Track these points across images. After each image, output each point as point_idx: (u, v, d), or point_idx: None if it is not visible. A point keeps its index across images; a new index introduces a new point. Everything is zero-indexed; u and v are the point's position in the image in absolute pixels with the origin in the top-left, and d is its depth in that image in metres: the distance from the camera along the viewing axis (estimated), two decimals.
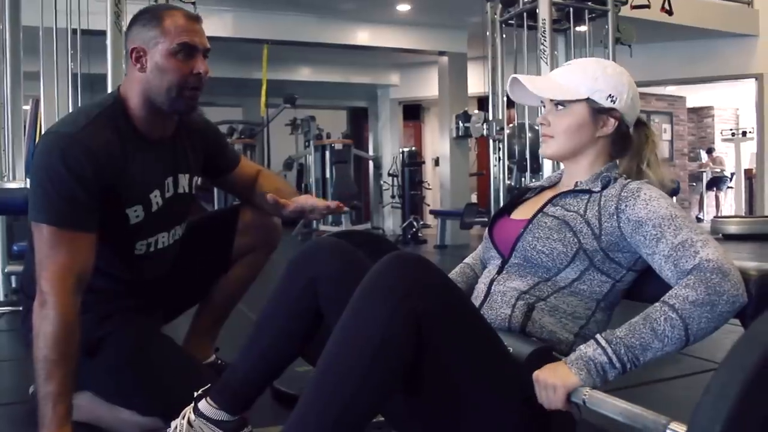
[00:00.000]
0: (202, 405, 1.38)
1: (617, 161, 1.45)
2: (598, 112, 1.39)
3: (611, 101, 1.38)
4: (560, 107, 1.41)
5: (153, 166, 1.66)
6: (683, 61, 8.75)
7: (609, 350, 1.13)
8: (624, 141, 1.44)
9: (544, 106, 1.46)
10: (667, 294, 1.15)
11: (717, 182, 12.69)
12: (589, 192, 1.38)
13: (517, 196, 1.58)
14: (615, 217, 1.30)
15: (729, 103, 13.48)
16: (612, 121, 1.40)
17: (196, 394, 1.40)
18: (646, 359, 1.13)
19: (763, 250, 6.86)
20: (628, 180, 1.37)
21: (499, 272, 1.41)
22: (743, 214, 10.49)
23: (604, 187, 1.37)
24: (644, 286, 1.34)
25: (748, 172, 11.35)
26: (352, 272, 1.34)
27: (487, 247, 1.51)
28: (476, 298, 1.43)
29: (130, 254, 1.68)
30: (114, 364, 1.60)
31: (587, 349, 1.16)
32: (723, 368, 0.79)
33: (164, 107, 1.62)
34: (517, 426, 1.22)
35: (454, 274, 1.61)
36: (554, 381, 1.14)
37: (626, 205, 1.29)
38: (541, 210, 1.40)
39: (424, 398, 1.22)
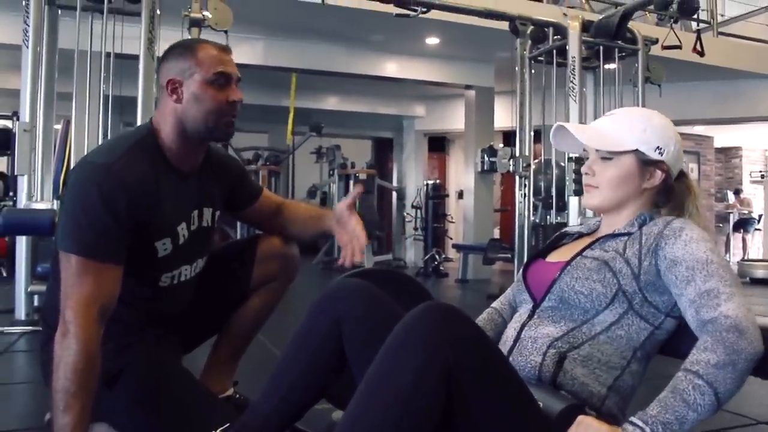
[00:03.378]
0: None
1: (660, 210, 1.43)
2: (645, 164, 1.37)
3: (659, 153, 1.37)
4: (607, 158, 1.38)
5: (182, 200, 1.67)
6: (712, 101, 8.68)
7: (647, 430, 1.08)
8: (668, 193, 1.42)
9: (587, 155, 1.44)
10: (688, 361, 1.13)
11: (744, 224, 12.50)
12: (628, 234, 1.35)
13: (553, 241, 1.55)
14: (654, 254, 1.28)
15: (757, 144, 13.34)
16: (659, 173, 1.38)
17: (214, 431, 1.37)
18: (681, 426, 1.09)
19: None
20: (673, 218, 1.34)
21: (530, 317, 1.37)
22: None
23: (641, 225, 1.35)
24: (679, 342, 1.29)
25: None
26: (377, 313, 1.33)
27: (519, 290, 1.47)
28: (504, 343, 1.39)
29: (155, 286, 1.67)
30: (132, 398, 1.57)
31: (625, 427, 1.10)
32: None
33: (202, 135, 1.63)
34: None
35: (482, 320, 1.56)
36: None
37: (666, 243, 1.27)
38: (580, 253, 1.37)
39: None
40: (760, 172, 12.38)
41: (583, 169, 1.44)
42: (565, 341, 1.29)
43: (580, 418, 1.13)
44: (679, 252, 1.25)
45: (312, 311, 1.39)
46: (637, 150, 1.37)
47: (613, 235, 1.38)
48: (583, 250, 1.38)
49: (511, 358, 1.33)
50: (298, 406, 1.39)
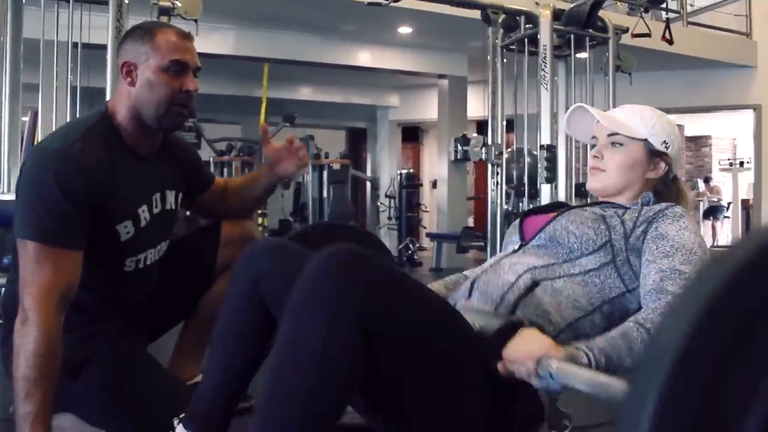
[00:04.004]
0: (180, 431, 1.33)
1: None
2: (652, 154, 1.47)
3: (665, 147, 1.47)
4: (617, 144, 1.47)
5: (142, 182, 1.65)
6: (682, 91, 8.77)
7: (590, 355, 1.12)
8: (663, 191, 1.50)
9: (594, 143, 1.51)
10: (642, 317, 1.19)
11: (714, 212, 12.69)
12: (630, 207, 1.42)
13: (552, 205, 1.63)
14: (648, 224, 1.34)
15: (726, 132, 13.54)
16: (663, 165, 1.48)
17: (175, 421, 1.36)
18: (615, 370, 1.13)
19: None
20: (676, 205, 1.40)
21: (514, 252, 1.42)
22: None
23: (644, 204, 1.42)
24: None
25: (744, 202, 11.37)
26: (292, 265, 1.23)
27: (510, 233, 1.54)
28: (480, 267, 1.42)
29: (119, 271, 1.65)
30: (97, 387, 1.56)
31: (567, 348, 1.13)
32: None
33: (152, 123, 1.61)
34: (484, 405, 1.18)
35: (447, 281, 1.60)
36: (527, 345, 1.11)
37: (663, 221, 1.33)
38: (580, 206, 1.47)
39: (384, 397, 1.16)
40: (729, 160, 12.57)
41: (592, 153, 1.51)
42: (543, 270, 1.33)
43: (523, 329, 1.15)
44: (671, 232, 1.31)
45: (232, 276, 1.35)
46: (646, 140, 1.46)
47: (616, 204, 1.45)
48: (584, 205, 1.47)
49: (482, 276, 1.36)
50: (239, 378, 1.34)
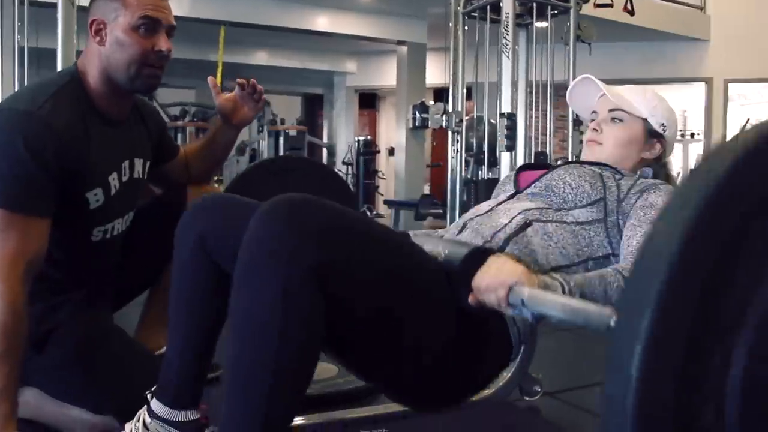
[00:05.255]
0: (155, 406, 1.29)
1: None
2: (650, 134, 1.50)
3: (663, 129, 1.50)
4: (617, 120, 1.49)
5: (113, 148, 1.58)
6: (638, 62, 8.87)
7: (565, 286, 1.10)
8: (655, 173, 1.51)
9: (594, 117, 1.53)
10: (621, 266, 1.21)
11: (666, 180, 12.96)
12: (627, 176, 1.44)
13: (545, 164, 1.64)
14: (640, 193, 1.35)
15: (677, 105, 13.66)
16: (659, 146, 1.51)
17: (148, 393, 1.32)
18: None
19: None
20: (668, 184, 1.42)
21: (509, 199, 1.42)
22: None
23: (642, 177, 1.45)
24: None
25: None
26: (238, 219, 1.14)
27: (504, 183, 1.54)
28: (474, 212, 1.40)
29: (86, 241, 1.59)
30: (62, 360, 1.51)
31: (542, 276, 1.10)
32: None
33: (123, 85, 1.53)
34: (453, 346, 1.16)
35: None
36: (499, 272, 1.06)
37: (654, 192, 1.35)
38: (580, 163, 1.47)
39: (351, 344, 1.13)
40: (680, 131, 12.79)
41: (591, 125, 1.53)
42: (536, 212, 1.33)
43: (494, 256, 1.10)
44: (659, 202, 1.33)
45: (176, 239, 1.28)
46: (646, 120, 1.49)
47: (614, 168, 1.46)
48: (583, 162, 1.47)
49: (476, 218, 1.35)
50: (202, 344, 1.29)
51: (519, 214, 1.32)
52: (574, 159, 1.72)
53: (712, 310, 0.58)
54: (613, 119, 1.49)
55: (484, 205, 1.43)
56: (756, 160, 0.61)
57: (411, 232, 1.36)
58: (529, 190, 1.42)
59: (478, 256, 1.11)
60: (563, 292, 1.08)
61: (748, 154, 0.61)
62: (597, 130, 1.50)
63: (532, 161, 5.02)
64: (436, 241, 1.24)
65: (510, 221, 1.31)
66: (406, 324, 1.12)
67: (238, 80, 1.76)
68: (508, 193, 1.47)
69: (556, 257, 1.29)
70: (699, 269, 0.58)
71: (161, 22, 1.52)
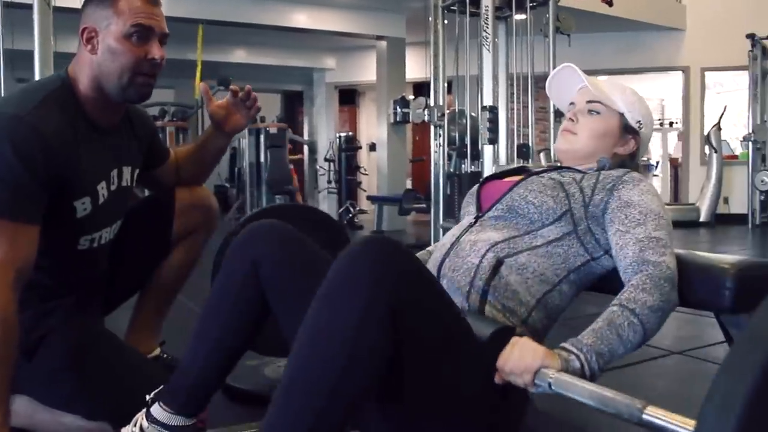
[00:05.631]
0: (156, 410, 1.29)
1: None
2: (625, 129, 1.48)
3: (639, 126, 1.49)
4: (594, 112, 1.48)
5: (102, 157, 1.56)
6: (615, 52, 8.93)
7: (582, 357, 1.11)
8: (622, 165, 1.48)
9: (572, 108, 1.52)
10: (625, 298, 1.18)
11: (644, 170, 13.06)
12: (587, 172, 1.42)
13: (513, 170, 1.60)
14: (608, 192, 1.33)
15: (655, 93, 13.87)
16: (633, 143, 1.50)
17: (148, 398, 1.31)
18: (609, 364, 1.14)
19: (688, 236, 7.12)
20: (631, 171, 1.40)
21: (472, 225, 1.40)
22: (668, 202, 10.83)
23: (600, 169, 1.42)
24: (617, 282, 1.30)
25: (673, 161, 11.71)
26: (297, 255, 1.29)
27: (467, 203, 1.52)
28: (441, 248, 1.40)
29: (72, 250, 1.56)
30: (53, 366, 1.48)
31: (560, 353, 1.12)
32: (725, 372, 0.73)
33: (115, 94, 1.51)
34: (478, 400, 1.17)
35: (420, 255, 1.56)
36: (522, 357, 1.09)
37: (624, 187, 1.33)
38: (537, 173, 1.44)
39: (392, 389, 1.13)
40: (659, 120, 12.90)
41: (568, 115, 1.51)
42: (505, 246, 1.31)
43: (515, 338, 1.14)
44: (635, 198, 1.31)
45: (228, 258, 1.33)
46: (623, 115, 1.48)
47: (573, 168, 1.44)
48: (541, 171, 1.45)
49: (446, 262, 1.34)
50: (225, 360, 1.32)
51: (488, 251, 1.30)
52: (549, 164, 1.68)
53: None
54: (590, 111, 1.48)
55: (448, 238, 1.41)
56: None
57: None
58: (491, 213, 1.40)
59: (500, 338, 1.14)
60: (581, 365, 1.10)
61: None
62: (573, 120, 1.49)
63: (515, 154, 5.05)
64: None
65: (481, 261, 1.29)
66: (441, 371, 1.14)
67: (231, 87, 1.75)
68: (472, 216, 1.45)
69: (537, 287, 1.29)
70: None
71: (154, 29, 1.50)
